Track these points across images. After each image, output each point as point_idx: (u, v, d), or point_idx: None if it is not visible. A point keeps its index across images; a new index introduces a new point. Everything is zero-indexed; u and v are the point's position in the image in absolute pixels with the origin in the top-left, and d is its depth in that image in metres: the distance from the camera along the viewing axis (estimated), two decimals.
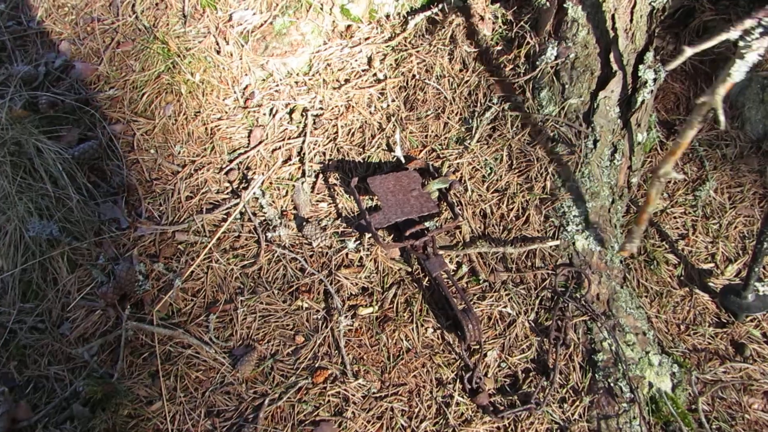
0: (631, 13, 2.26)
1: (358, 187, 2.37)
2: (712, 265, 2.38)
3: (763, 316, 2.26)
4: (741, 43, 1.51)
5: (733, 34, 1.58)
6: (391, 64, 2.62)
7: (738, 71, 1.53)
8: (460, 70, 2.57)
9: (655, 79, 2.30)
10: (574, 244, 2.26)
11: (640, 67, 2.30)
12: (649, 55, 2.30)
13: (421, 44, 2.62)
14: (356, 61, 2.65)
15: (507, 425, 2.05)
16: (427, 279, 2.28)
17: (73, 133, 2.56)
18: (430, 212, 2.28)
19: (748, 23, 1.50)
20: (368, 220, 2.21)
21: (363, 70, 2.63)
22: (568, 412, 2.06)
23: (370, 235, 2.31)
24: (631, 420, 2.00)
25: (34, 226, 2.30)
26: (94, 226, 2.39)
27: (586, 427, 2.03)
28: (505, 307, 2.22)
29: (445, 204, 2.37)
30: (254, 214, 2.42)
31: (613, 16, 2.26)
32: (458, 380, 2.11)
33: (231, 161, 2.52)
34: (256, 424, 2.03)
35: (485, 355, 2.15)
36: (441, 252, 2.27)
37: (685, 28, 2.57)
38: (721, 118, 1.58)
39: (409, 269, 2.31)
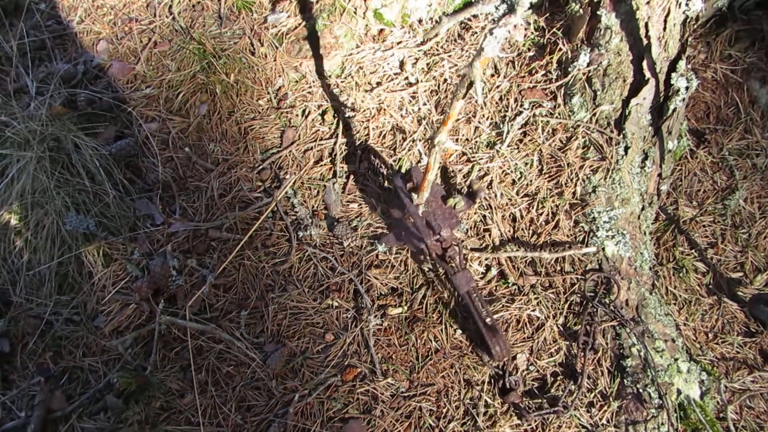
0: (665, 21, 2.27)
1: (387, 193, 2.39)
2: (741, 274, 2.38)
3: None
4: (491, 19, 1.54)
5: (482, 7, 1.58)
6: (422, 68, 2.65)
7: (490, 46, 1.54)
8: (492, 75, 2.59)
9: (687, 87, 2.31)
10: (603, 249, 2.27)
11: (673, 75, 2.31)
12: (682, 64, 2.31)
13: (453, 49, 2.65)
14: (388, 64, 2.68)
15: (534, 428, 2.06)
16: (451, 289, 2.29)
17: (110, 130, 2.61)
18: (452, 228, 2.28)
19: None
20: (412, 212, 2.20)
21: (395, 74, 2.66)
22: (595, 416, 2.07)
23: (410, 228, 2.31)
24: (659, 426, 2.00)
25: (71, 220, 2.35)
26: (129, 222, 2.44)
27: (614, 431, 2.03)
28: (533, 310, 2.23)
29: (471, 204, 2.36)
30: (286, 213, 2.45)
31: (646, 24, 2.27)
32: (487, 382, 2.13)
33: (263, 161, 2.56)
34: (285, 419, 2.06)
35: (514, 357, 2.16)
36: (467, 259, 2.29)
37: (717, 37, 2.58)
38: (479, 91, 1.60)
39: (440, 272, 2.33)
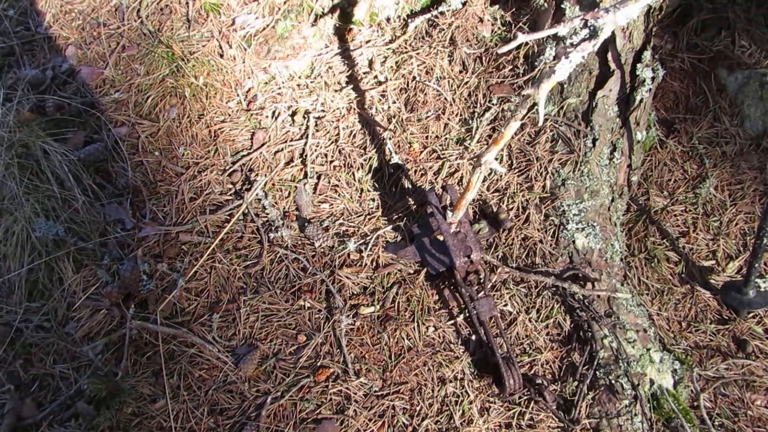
0: None
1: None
2: (713, 262, 2.38)
3: (765, 312, 2.26)
4: (568, 43, 1.49)
5: (561, 30, 1.59)
6: (391, 67, 2.65)
7: (562, 70, 1.49)
8: (460, 72, 2.59)
9: (653, 78, 2.32)
10: (574, 242, 2.27)
11: (638, 65, 2.32)
12: (647, 54, 2.32)
13: (421, 46, 2.65)
14: (357, 63, 2.68)
15: (508, 422, 2.06)
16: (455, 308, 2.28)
17: (79, 135, 2.60)
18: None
19: (576, 22, 1.50)
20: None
21: (364, 73, 2.66)
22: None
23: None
24: (633, 417, 2.00)
25: (40, 226, 2.34)
26: (99, 227, 2.42)
27: (588, 423, 2.03)
28: (505, 305, 2.23)
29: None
30: (257, 215, 2.45)
31: None
32: (460, 378, 2.12)
33: (234, 163, 2.55)
34: (258, 422, 2.05)
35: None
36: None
37: (683, 27, 2.59)
38: (541, 112, 1.54)
39: (411, 271, 2.32)
